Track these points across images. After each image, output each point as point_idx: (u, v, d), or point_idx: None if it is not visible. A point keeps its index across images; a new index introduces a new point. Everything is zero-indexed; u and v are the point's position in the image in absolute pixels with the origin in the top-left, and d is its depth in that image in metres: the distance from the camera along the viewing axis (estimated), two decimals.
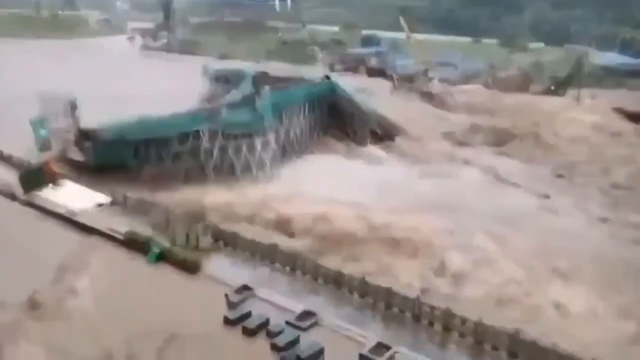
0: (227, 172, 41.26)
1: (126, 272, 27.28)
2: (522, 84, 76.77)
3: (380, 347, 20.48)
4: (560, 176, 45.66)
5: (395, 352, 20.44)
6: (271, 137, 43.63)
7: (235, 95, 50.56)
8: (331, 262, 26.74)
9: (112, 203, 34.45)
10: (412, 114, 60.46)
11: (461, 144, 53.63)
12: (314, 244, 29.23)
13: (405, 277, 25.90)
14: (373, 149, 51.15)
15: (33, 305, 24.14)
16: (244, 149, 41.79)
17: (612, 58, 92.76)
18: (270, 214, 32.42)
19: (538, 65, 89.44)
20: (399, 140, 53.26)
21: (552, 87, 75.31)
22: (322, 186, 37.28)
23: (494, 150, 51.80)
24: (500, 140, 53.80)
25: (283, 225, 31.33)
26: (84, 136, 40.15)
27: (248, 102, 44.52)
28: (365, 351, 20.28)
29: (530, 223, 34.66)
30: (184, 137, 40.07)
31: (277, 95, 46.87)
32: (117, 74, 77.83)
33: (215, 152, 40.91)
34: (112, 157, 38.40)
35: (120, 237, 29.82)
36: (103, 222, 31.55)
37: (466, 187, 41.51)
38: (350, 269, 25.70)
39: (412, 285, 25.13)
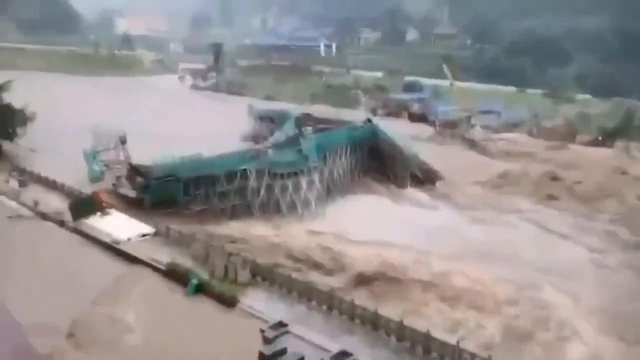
0: (272, 210, 42.12)
1: (165, 302, 27.69)
2: (568, 134, 75.32)
3: None
4: (609, 232, 43.83)
5: None
6: (316, 176, 44.42)
7: (279, 136, 52.02)
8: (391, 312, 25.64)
9: (156, 234, 35.28)
10: (453, 160, 60.13)
11: (503, 191, 52.68)
12: (371, 289, 28.98)
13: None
14: (414, 192, 50.95)
15: (72, 331, 24.70)
16: (290, 187, 42.57)
17: None
18: (321, 254, 32.72)
19: (584, 116, 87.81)
20: (439, 185, 52.92)
21: (600, 138, 73.68)
22: (369, 227, 37.72)
23: (538, 200, 50.52)
24: (544, 189, 52.52)
25: (334, 266, 31.30)
26: (136, 172, 41.54)
27: (293, 142, 45.60)
28: None
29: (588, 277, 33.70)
30: (232, 175, 41.22)
31: (321, 136, 48.20)
32: (166, 110, 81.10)
33: (262, 190, 41.79)
34: (162, 193, 39.70)
35: (162, 267, 30.40)
36: (145, 252, 32.30)
37: (515, 236, 40.63)
38: (413, 323, 24.44)
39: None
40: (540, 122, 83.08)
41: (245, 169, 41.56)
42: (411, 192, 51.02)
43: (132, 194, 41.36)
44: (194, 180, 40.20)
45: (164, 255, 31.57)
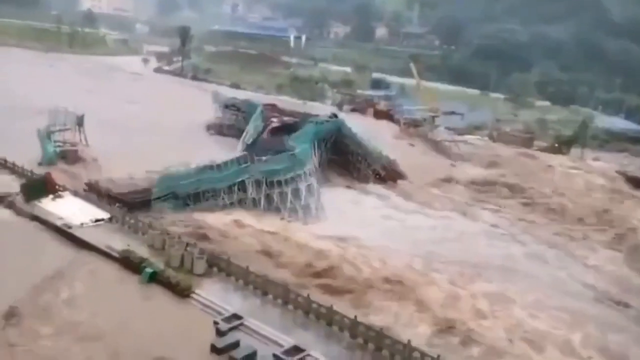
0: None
1: (117, 290, 26.98)
2: (526, 140, 77.57)
3: None
4: (558, 233, 45.58)
5: None
6: (313, 179, 43.97)
7: (251, 132, 51.45)
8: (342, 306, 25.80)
9: (111, 220, 34.32)
10: (415, 159, 61.04)
11: (461, 192, 53.81)
12: (324, 283, 28.91)
13: None
14: (376, 188, 51.45)
15: (11, 314, 23.84)
16: (290, 194, 41.53)
17: (616, 123, 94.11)
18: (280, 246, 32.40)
19: (543, 122, 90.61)
20: (401, 183, 53.56)
21: (556, 145, 76.08)
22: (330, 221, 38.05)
23: (494, 202, 51.81)
24: (501, 192, 53.92)
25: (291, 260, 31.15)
26: (118, 200, 36.72)
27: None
28: None
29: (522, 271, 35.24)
30: (231, 187, 39.51)
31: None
32: (128, 93, 79.00)
33: (262, 200, 40.36)
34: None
35: (116, 254, 29.63)
36: (99, 238, 31.37)
37: (466, 234, 41.84)
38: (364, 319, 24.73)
39: None
40: (501, 126, 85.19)
41: (243, 181, 40.05)
42: (373, 188, 51.46)
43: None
44: (193, 196, 38.09)
45: (118, 242, 30.75)
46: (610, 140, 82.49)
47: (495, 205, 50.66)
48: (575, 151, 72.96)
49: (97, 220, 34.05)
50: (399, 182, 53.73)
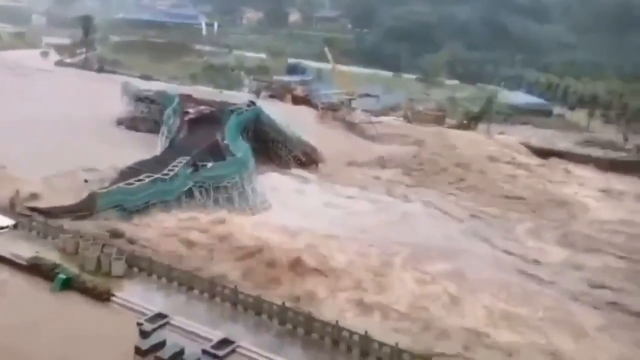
0: None
1: (28, 300, 25.28)
2: (439, 118, 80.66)
3: None
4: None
5: None
6: (255, 177, 43.85)
7: (169, 126, 49.63)
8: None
9: (16, 226, 31.99)
10: (335, 142, 61.78)
11: (379, 172, 55.21)
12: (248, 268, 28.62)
13: None
14: (297, 173, 51.67)
15: None
16: (236, 196, 41.00)
17: (518, 97, 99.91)
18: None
19: (453, 100, 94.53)
20: (321, 166, 54.08)
21: (465, 122, 79.75)
22: None
23: (410, 179, 53.53)
24: (416, 169, 55.81)
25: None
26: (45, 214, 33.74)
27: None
28: None
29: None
30: (180, 197, 37.85)
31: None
32: (26, 90, 73.68)
33: (211, 205, 39.08)
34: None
35: (23, 262, 27.69)
36: (3, 246, 29.19)
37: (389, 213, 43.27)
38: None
39: None
40: (414, 106, 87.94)
41: (190, 189, 38.62)
42: (295, 173, 51.60)
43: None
44: (143, 209, 35.54)
45: (25, 250, 28.77)
46: (514, 114, 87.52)
47: (420, 184, 52.17)
48: (482, 126, 76.76)
49: (0, 228, 31.64)
50: (320, 165, 54.21)
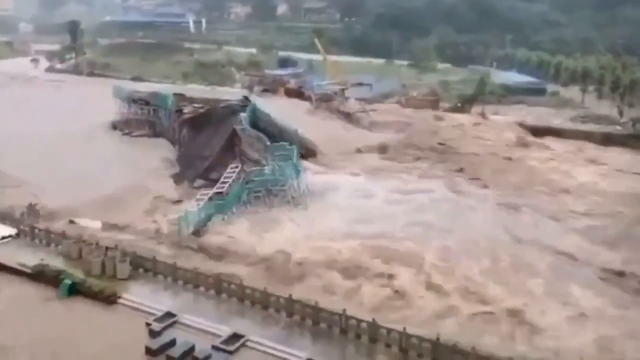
0: None
1: (35, 307, 25.33)
2: (433, 102, 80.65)
3: None
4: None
5: None
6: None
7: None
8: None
9: (19, 235, 32.03)
10: (331, 133, 61.72)
11: (378, 158, 55.28)
12: None
13: None
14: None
15: None
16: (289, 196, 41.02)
17: (511, 77, 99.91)
18: None
19: (445, 84, 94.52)
20: (319, 157, 54.09)
21: (459, 105, 79.79)
22: None
23: (414, 165, 53.36)
24: (418, 154, 55.80)
25: None
26: None
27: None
28: None
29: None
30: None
31: None
32: (18, 100, 73.34)
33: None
34: None
35: (28, 270, 27.77)
36: (7, 256, 29.25)
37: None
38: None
39: None
40: (408, 91, 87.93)
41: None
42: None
43: None
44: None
45: (30, 258, 28.81)
46: (507, 94, 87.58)
47: (433, 168, 51.63)
48: (476, 108, 76.83)
49: (2, 238, 31.68)
50: (319, 156, 54.24)
